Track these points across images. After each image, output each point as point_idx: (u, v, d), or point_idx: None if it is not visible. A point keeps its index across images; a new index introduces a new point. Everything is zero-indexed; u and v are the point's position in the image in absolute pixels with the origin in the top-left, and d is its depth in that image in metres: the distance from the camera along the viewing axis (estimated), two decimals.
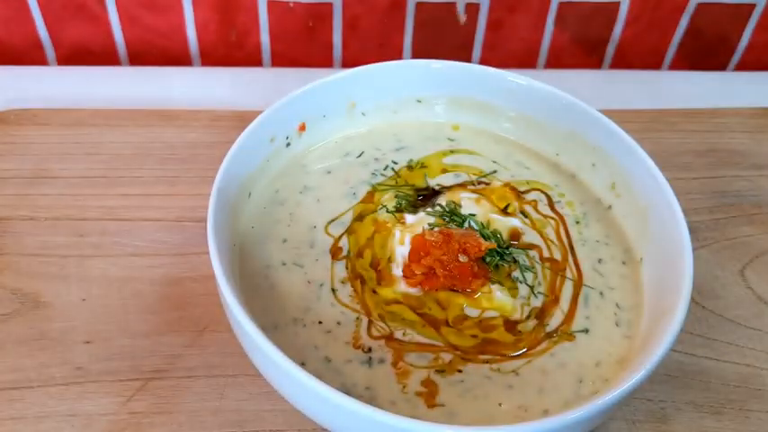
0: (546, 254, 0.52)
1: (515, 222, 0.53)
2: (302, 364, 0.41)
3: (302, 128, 0.57)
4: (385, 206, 0.53)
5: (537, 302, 0.49)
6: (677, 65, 0.90)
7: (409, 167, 0.58)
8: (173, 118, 0.69)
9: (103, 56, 0.84)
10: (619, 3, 0.83)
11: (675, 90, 0.82)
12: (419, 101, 0.61)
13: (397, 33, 0.84)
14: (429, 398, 0.43)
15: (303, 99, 0.55)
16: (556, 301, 0.49)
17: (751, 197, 0.66)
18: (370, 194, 0.55)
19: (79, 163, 0.64)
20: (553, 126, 0.58)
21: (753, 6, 0.84)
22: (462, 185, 0.56)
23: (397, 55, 0.87)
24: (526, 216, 0.54)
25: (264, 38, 0.84)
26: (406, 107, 0.61)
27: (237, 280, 0.47)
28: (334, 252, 0.51)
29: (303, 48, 0.85)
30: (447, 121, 0.62)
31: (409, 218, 0.52)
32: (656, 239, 0.50)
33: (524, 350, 0.46)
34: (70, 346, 0.50)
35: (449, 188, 0.56)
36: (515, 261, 0.50)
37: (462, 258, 0.47)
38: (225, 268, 0.42)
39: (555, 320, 0.48)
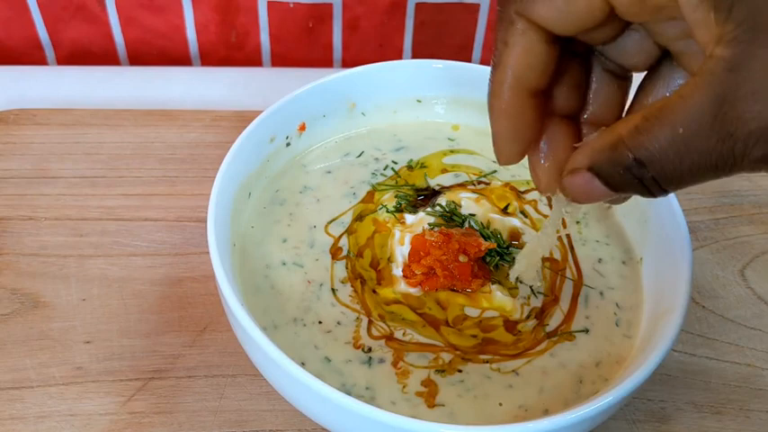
0: (546, 254, 0.52)
1: (515, 222, 0.53)
2: (302, 364, 0.41)
3: (302, 128, 0.57)
4: (385, 206, 0.53)
5: (537, 302, 0.49)
6: None
7: (409, 167, 0.58)
8: (173, 118, 0.69)
9: (103, 56, 0.84)
10: None
11: None
12: (419, 101, 0.61)
13: (397, 34, 0.84)
14: (429, 398, 0.43)
15: (303, 99, 0.55)
16: (556, 301, 0.49)
17: (751, 197, 0.66)
18: (370, 194, 0.55)
19: (79, 163, 0.64)
20: None
21: None
22: (462, 185, 0.56)
23: (397, 55, 0.87)
24: (526, 216, 0.54)
25: (264, 38, 0.84)
26: (406, 107, 0.61)
27: (237, 280, 0.47)
28: (334, 252, 0.51)
29: (303, 48, 0.85)
30: (447, 121, 0.62)
31: (409, 218, 0.52)
32: (656, 239, 0.50)
33: (524, 350, 0.46)
34: (70, 346, 0.50)
35: (449, 188, 0.56)
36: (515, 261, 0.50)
37: (462, 258, 0.47)
38: (225, 268, 0.42)
39: (555, 320, 0.48)
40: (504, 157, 0.38)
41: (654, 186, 0.31)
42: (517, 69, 0.35)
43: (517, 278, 0.49)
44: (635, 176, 0.31)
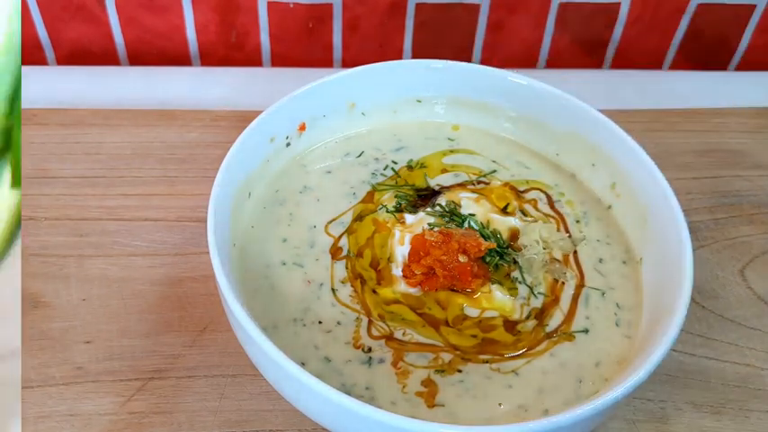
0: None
1: (515, 222, 0.53)
2: (302, 364, 0.41)
3: (302, 128, 0.57)
4: (385, 206, 0.53)
5: (537, 303, 0.49)
6: (678, 65, 0.90)
7: (409, 167, 0.58)
8: (173, 118, 0.69)
9: (103, 56, 0.84)
10: (619, 3, 0.83)
11: (676, 90, 0.82)
12: (419, 101, 0.61)
13: (397, 34, 0.84)
14: (429, 398, 0.43)
15: (303, 99, 0.55)
16: (556, 301, 0.49)
17: (751, 197, 0.66)
18: (370, 194, 0.55)
19: (79, 163, 0.64)
20: (553, 126, 0.58)
21: (753, 7, 0.84)
22: (462, 185, 0.56)
23: (397, 55, 0.87)
24: (526, 215, 0.54)
25: (264, 39, 0.84)
26: (406, 107, 0.61)
27: (237, 280, 0.47)
28: (334, 252, 0.51)
29: (303, 48, 0.85)
30: (447, 121, 0.62)
31: (409, 218, 0.52)
32: (656, 239, 0.50)
33: (524, 350, 0.46)
34: (70, 346, 0.50)
35: (449, 188, 0.56)
36: (515, 261, 0.50)
37: (462, 258, 0.47)
38: (225, 268, 0.42)
39: (555, 321, 0.48)
40: None
41: None
42: None
43: (516, 278, 0.49)
44: None
